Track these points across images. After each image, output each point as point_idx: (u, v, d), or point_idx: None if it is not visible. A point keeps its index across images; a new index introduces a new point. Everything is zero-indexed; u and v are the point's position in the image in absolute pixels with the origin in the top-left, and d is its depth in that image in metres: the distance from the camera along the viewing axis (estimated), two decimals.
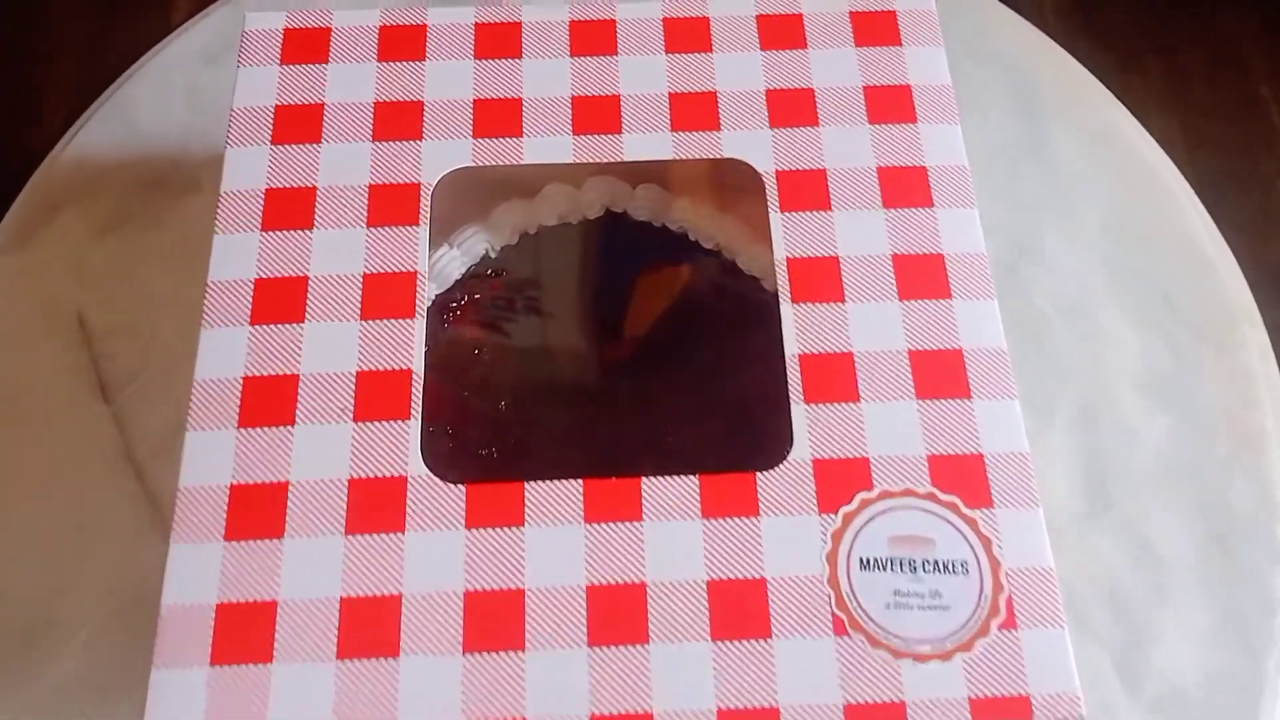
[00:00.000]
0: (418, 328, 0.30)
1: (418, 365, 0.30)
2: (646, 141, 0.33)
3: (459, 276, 0.39)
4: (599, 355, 0.40)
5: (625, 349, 0.40)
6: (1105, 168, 0.50)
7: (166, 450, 0.42)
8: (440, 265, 0.39)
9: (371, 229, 0.32)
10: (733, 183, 0.38)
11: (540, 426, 0.37)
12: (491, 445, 0.37)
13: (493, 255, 0.39)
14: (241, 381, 0.29)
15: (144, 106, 0.50)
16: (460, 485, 0.28)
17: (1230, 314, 0.46)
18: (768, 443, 0.29)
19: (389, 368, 0.29)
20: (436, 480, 0.28)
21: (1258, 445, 0.44)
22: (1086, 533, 0.42)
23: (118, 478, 0.42)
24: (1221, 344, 0.46)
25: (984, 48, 0.52)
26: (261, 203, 0.32)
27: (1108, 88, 0.52)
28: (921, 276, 0.31)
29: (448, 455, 0.37)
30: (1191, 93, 1.00)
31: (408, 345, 0.30)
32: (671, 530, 0.28)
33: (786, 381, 0.30)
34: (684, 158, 0.33)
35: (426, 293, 0.31)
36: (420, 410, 0.29)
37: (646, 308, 0.40)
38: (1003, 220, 0.47)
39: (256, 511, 0.28)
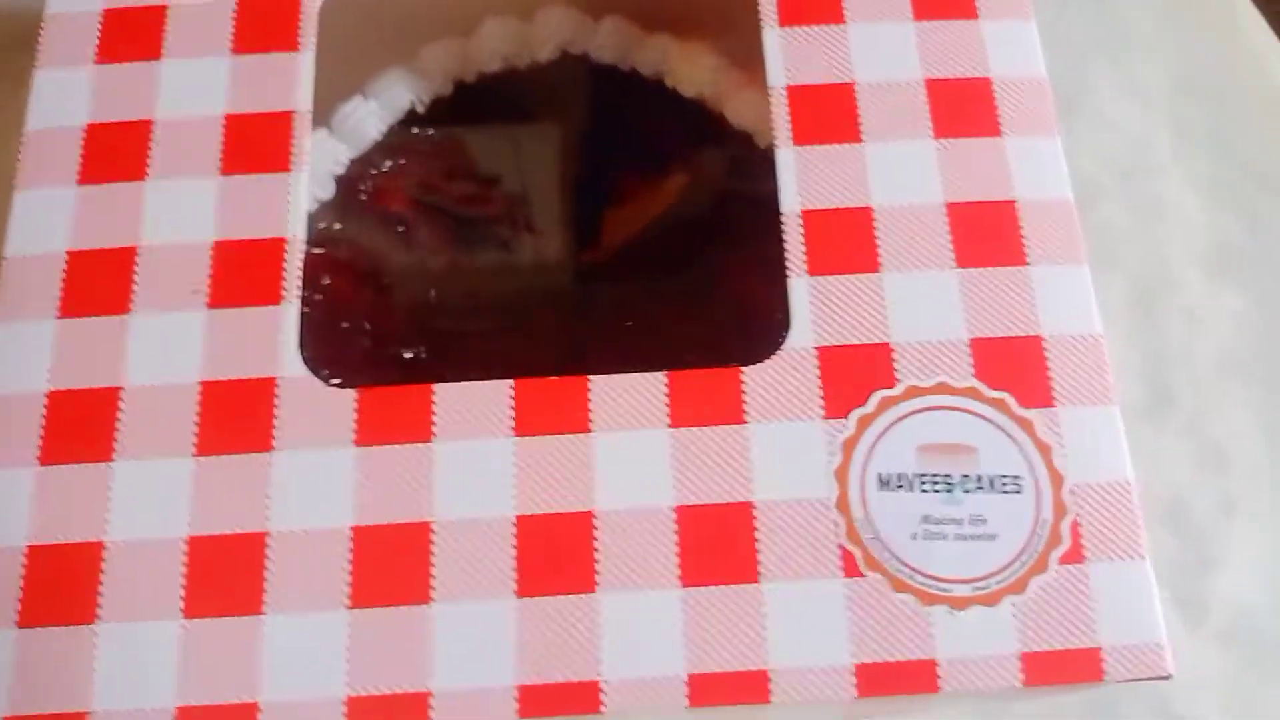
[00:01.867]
0: (295, 184, 0.23)
1: (294, 231, 0.23)
2: None
3: (377, 137, 0.32)
4: (560, 242, 0.33)
5: (598, 254, 0.32)
6: (1174, 9, 0.41)
7: None
8: (353, 122, 0.31)
9: (238, 57, 0.24)
10: (718, 11, 0.30)
11: (479, 321, 0.30)
12: (419, 345, 0.30)
13: (420, 109, 0.32)
14: (64, 264, 0.22)
15: None
16: (350, 390, 0.21)
17: None
18: (756, 328, 0.23)
19: (256, 236, 0.22)
20: (317, 383, 0.21)
21: None
22: (1141, 436, 0.35)
23: None
24: None
25: None
26: (98, 26, 0.24)
27: None
28: (962, 107, 0.24)
29: (363, 358, 0.30)
30: None
31: (280, 207, 0.23)
32: (629, 444, 0.21)
33: (782, 248, 0.23)
34: None
35: (306, 142, 0.24)
36: (299, 294, 0.22)
37: (627, 216, 0.33)
38: (1047, 66, 0.39)
39: (80, 428, 0.21)
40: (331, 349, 0.26)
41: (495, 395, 0.21)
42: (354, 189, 0.32)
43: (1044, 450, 0.21)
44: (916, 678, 0.20)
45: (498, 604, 0.20)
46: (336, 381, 0.21)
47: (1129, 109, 0.39)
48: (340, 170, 0.32)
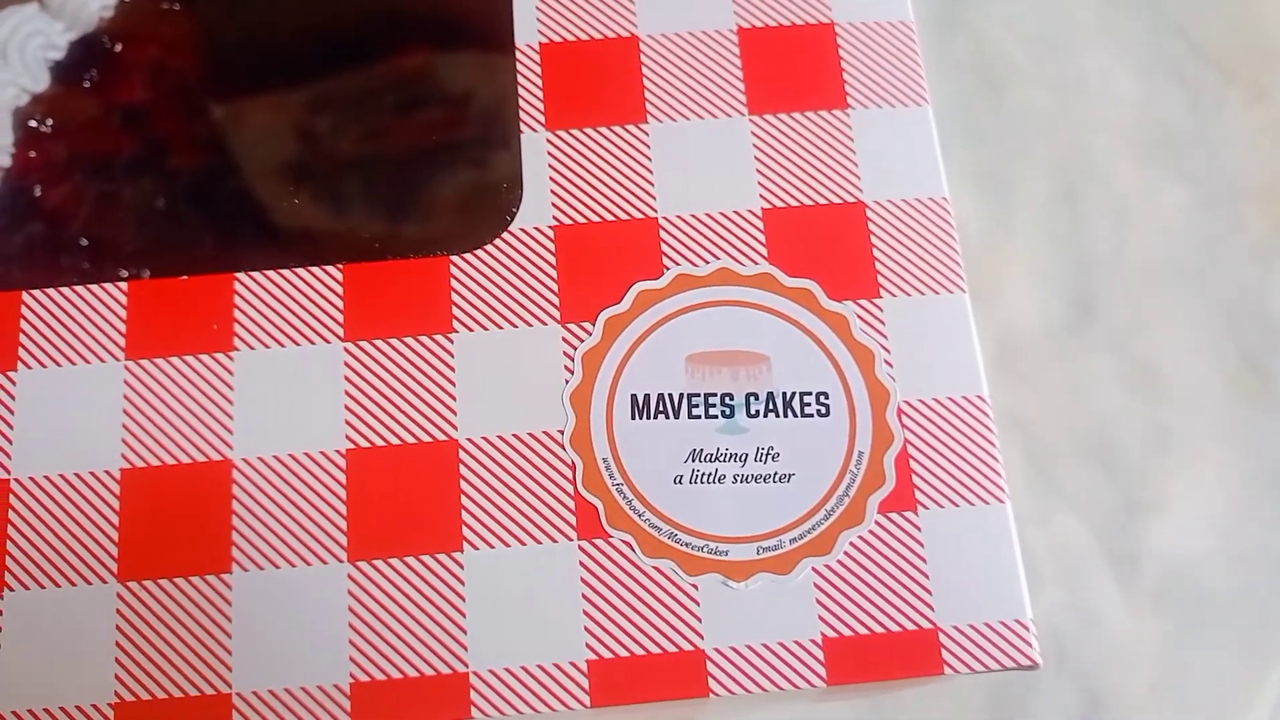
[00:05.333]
0: None
1: None
2: None
3: (105, 12, 0.26)
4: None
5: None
6: None
7: None
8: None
9: None
10: None
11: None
12: (144, 265, 0.24)
13: None
14: None
15: None
16: None
17: (1267, 48, 0.33)
18: (473, 202, 0.17)
19: None
20: None
21: None
22: (1063, 356, 0.30)
23: None
24: (1255, 85, 0.32)
25: None
26: None
27: None
28: None
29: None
30: None
31: None
32: (286, 363, 0.15)
33: (514, 98, 0.16)
34: None
35: None
36: None
37: None
38: None
39: None
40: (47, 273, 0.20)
41: (107, 302, 0.15)
42: (76, 77, 0.26)
43: (863, 356, 0.15)
44: (677, 677, 0.14)
45: (99, 589, 0.14)
46: None
47: None
48: (58, 55, 0.25)
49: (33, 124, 0.25)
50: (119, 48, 0.27)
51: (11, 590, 0.14)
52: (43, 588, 0.14)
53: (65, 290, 0.16)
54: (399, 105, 0.19)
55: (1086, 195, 0.31)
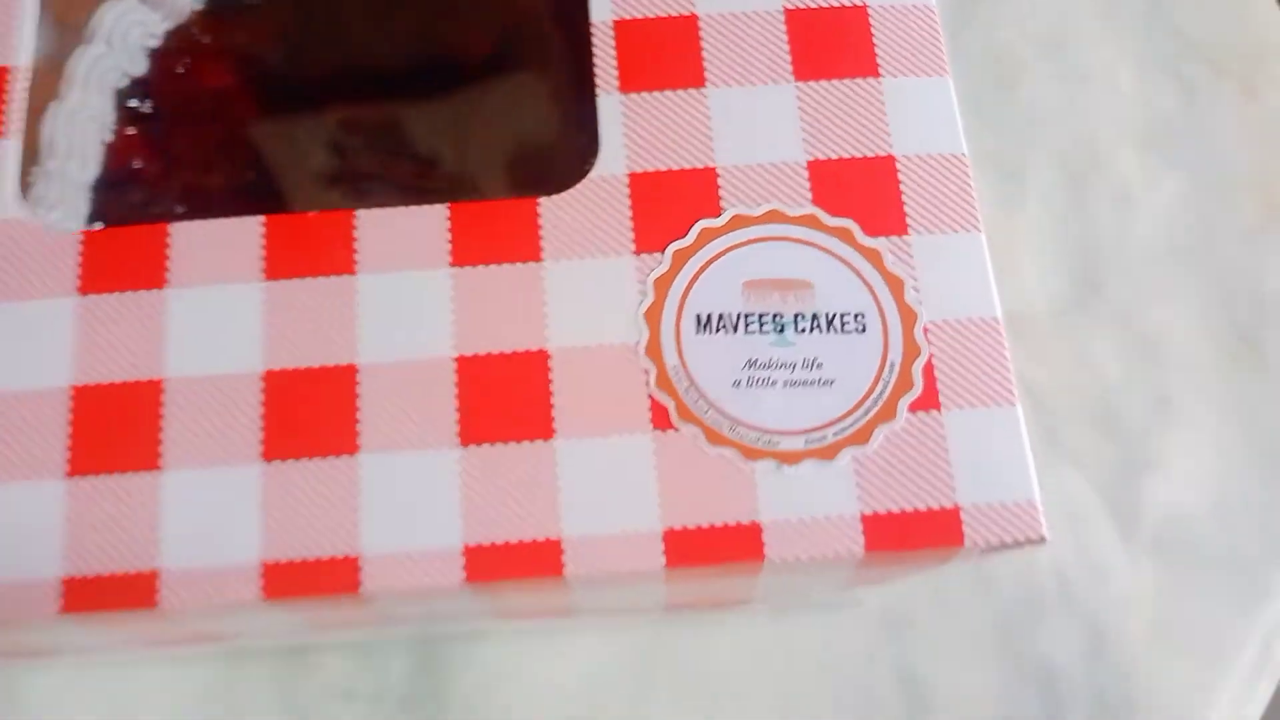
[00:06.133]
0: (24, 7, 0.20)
1: (19, 59, 0.19)
2: None
3: (196, 5, 0.29)
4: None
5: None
6: None
7: None
8: None
9: None
10: None
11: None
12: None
13: None
14: None
15: None
16: (76, 232, 0.18)
17: (1258, 46, 0.35)
18: (557, 156, 0.19)
19: None
20: (35, 228, 0.18)
21: None
22: (1068, 329, 0.32)
23: None
24: (1247, 81, 0.35)
25: None
26: None
27: None
28: None
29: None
30: None
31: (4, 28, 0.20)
32: (401, 287, 0.18)
33: (590, 63, 0.19)
34: None
35: None
36: (21, 127, 0.19)
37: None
38: None
39: None
40: None
41: (243, 234, 0.18)
42: (170, 63, 0.29)
43: (894, 284, 0.18)
44: (737, 544, 0.17)
45: (244, 470, 0.17)
46: None
47: None
48: (154, 43, 0.28)
49: (132, 104, 0.28)
50: (207, 39, 0.29)
51: (167, 468, 0.17)
52: (197, 468, 0.17)
53: (209, 221, 0.19)
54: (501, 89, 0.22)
55: (1091, 182, 0.34)
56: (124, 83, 0.27)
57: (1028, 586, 0.30)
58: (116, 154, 0.26)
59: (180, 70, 0.29)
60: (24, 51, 0.20)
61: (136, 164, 0.28)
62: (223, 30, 0.29)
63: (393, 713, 0.28)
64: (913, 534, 0.17)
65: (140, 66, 0.27)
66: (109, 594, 0.16)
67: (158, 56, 0.27)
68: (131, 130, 0.27)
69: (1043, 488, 0.30)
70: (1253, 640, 0.29)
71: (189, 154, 0.29)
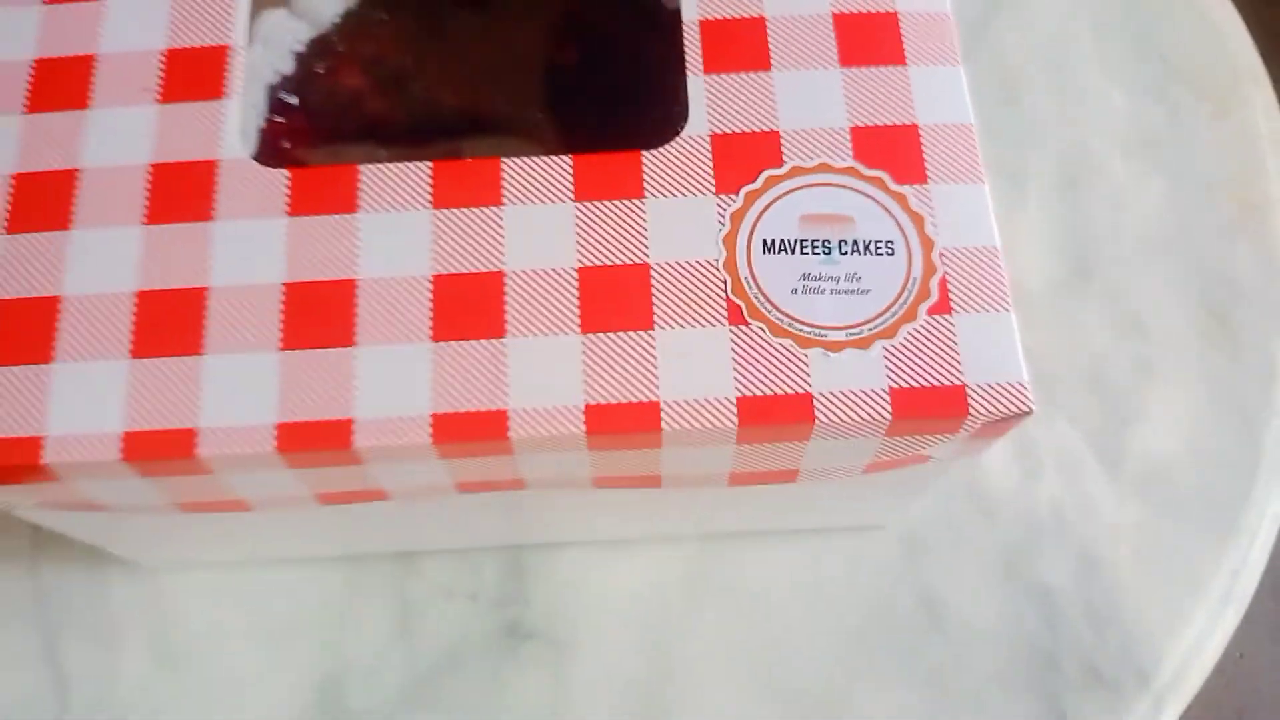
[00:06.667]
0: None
1: (236, 38, 0.25)
2: None
3: (335, 18, 0.35)
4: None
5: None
6: None
7: None
8: (312, 2, 0.34)
9: None
10: None
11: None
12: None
13: None
14: (32, 64, 0.25)
15: None
16: (283, 170, 0.24)
17: (1233, 72, 0.41)
18: (656, 122, 0.25)
19: (203, 43, 0.25)
20: (254, 165, 0.24)
21: (1261, 211, 0.39)
22: (1064, 305, 0.37)
23: None
24: (1222, 102, 0.40)
25: None
26: None
27: None
28: None
29: None
30: None
31: (225, 23, 0.25)
32: (536, 215, 0.23)
33: (681, 53, 0.25)
34: None
35: None
36: (239, 89, 0.25)
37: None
38: None
39: (41, 201, 0.23)
40: None
41: (415, 175, 0.24)
42: (312, 64, 0.35)
43: (916, 220, 0.23)
44: (793, 409, 0.22)
45: (415, 347, 0.22)
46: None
47: (1051, 6, 0.42)
48: (300, 48, 0.34)
49: (281, 97, 0.33)
50: (343, 46, 0.35)
51: (360, 344, 0.22)
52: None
53: (389, 164, 0.24)
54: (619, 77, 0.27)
55: (1085, 183, 0.39)
56: (276, 79, 0.33)
57: (1028, 520, 0.34)
58: (269, 137, 0.32)
59: (320, 71, 0.35)
60: (240, 32, 0.25)
61: (285, 145, 0.33)
62: (356, 39, 0.35)
63: (487, 609, 0.32)
64: (929, 404, 0.22)
65: (289, 66, 0.33)
66: (313, 436, 0.21)
67: (303, 59, 0.33)
68: (279, 119, 0.33)
69: (1040, 438, 0.35)
70: (1223, 570, 0.34)
71: (326, 138, 0.34)
